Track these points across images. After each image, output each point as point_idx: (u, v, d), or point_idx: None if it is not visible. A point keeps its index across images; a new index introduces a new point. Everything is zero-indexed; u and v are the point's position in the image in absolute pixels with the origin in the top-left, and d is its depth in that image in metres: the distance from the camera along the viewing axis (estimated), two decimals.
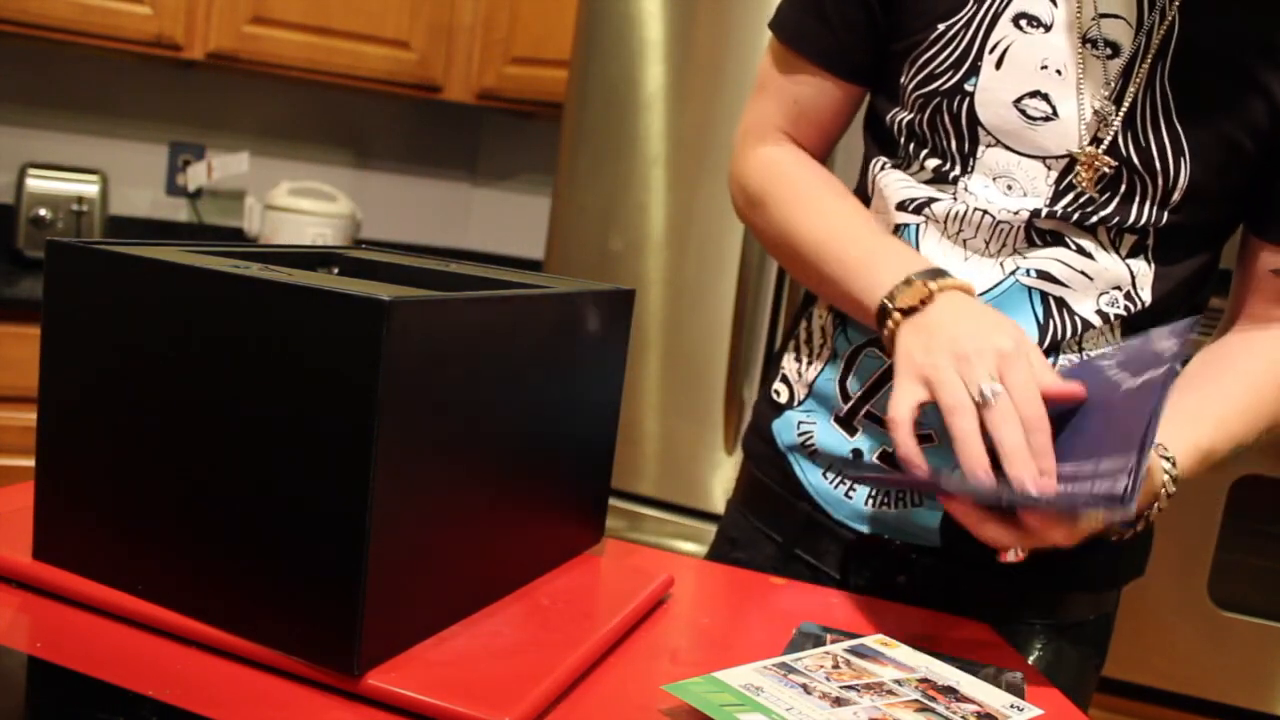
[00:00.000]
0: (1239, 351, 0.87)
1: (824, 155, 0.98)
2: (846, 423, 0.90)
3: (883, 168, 0.91)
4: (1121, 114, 0.80)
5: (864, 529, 0.90)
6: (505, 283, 0.74)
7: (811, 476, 0.93)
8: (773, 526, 0.97)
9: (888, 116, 0.90)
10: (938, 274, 0.78)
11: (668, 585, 0.76)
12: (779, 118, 0.95)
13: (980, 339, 0.72)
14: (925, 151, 0.88)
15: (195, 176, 2.56)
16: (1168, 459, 0.77)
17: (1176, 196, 0.81)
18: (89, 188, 2.26)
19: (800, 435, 0.94)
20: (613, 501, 1.91)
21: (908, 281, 0.78)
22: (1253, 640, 1.95)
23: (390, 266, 0.79)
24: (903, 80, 0.88)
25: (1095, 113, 0.81)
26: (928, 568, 0.89)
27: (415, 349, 0.55)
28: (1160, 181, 0.81)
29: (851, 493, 0.90)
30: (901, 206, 0.89)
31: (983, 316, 0.74)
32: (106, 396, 0.60)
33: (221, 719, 0.52)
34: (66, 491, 0.63)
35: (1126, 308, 0.85)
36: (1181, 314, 0.87)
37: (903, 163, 0.91)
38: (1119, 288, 0.84)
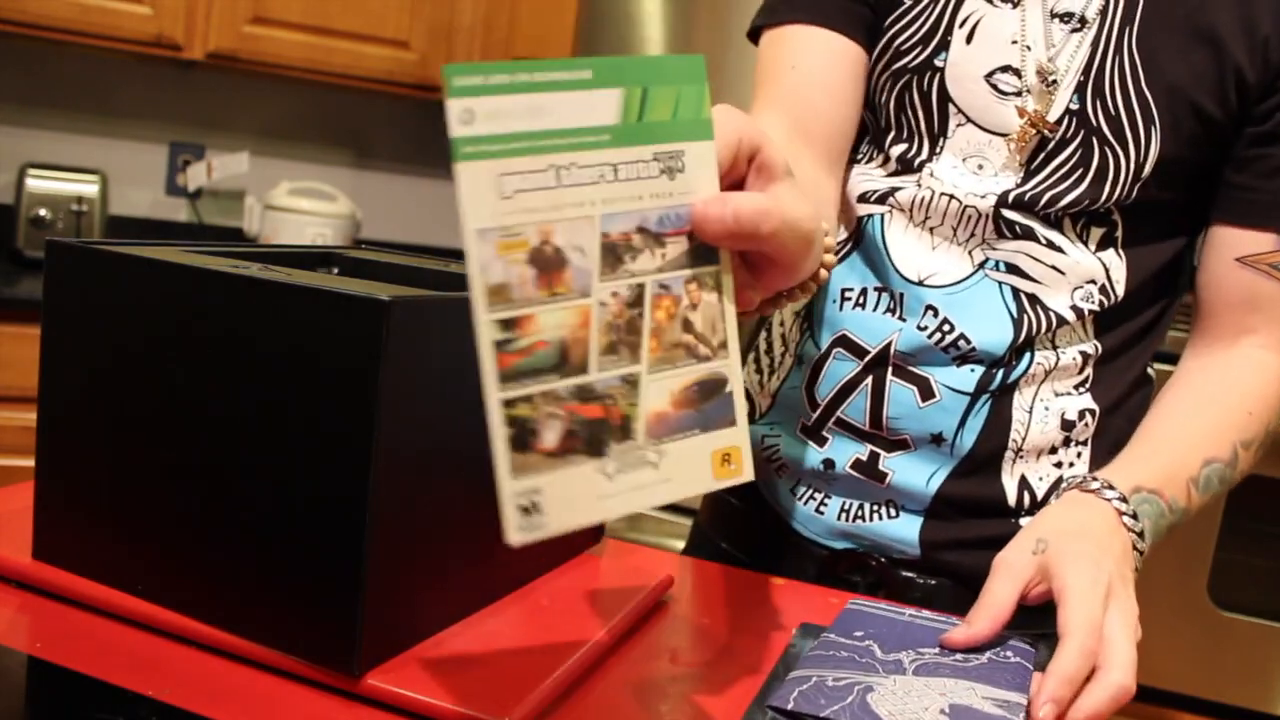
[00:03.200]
0: (1192, 383, 0.85)
1: (845, 136, 0.87)
2: (815, 432, 0.88)
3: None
4: (1074, 79, 0.79)
5: (837, 545, 0.88)
6: None
7: (779, 493, 0.91)
8: (740, 547, 0.94)
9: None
10: None
11: (668, 585, 0.76)
12: (779, 120, 0.84)
13: None
14: (890, 138, 0.86)
15: (195, 176, 2.56)
16: (1124, 504, 0.74)
17: (1148, 170, 0.79)
18: (89, 188, 2.26)
19: (765, 450, 0.91)
20: None
21: None
22: (1253, 640, 1.95)
23: (390, 266, 0.79)
24: (875, 60, 0.86)
25: (1040, 75, 0.80)
26: (906, 581, 0.87)
27: (415, 349, 0.55)
28: (1131, 151, 0.79)
29: (823, 507, 0.88)
30: (863, 199, 0.87)
31: None
32: (106, 396, 0.60)
33: (221, 719, 0.52)
34: (66, 491, 0.63)
35: (1101, 302, 0.83)
36: (1153, 307, 0.86)
37: (864, 157, 0.89)
38: (1093, 281, 0.83)
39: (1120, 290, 0.84)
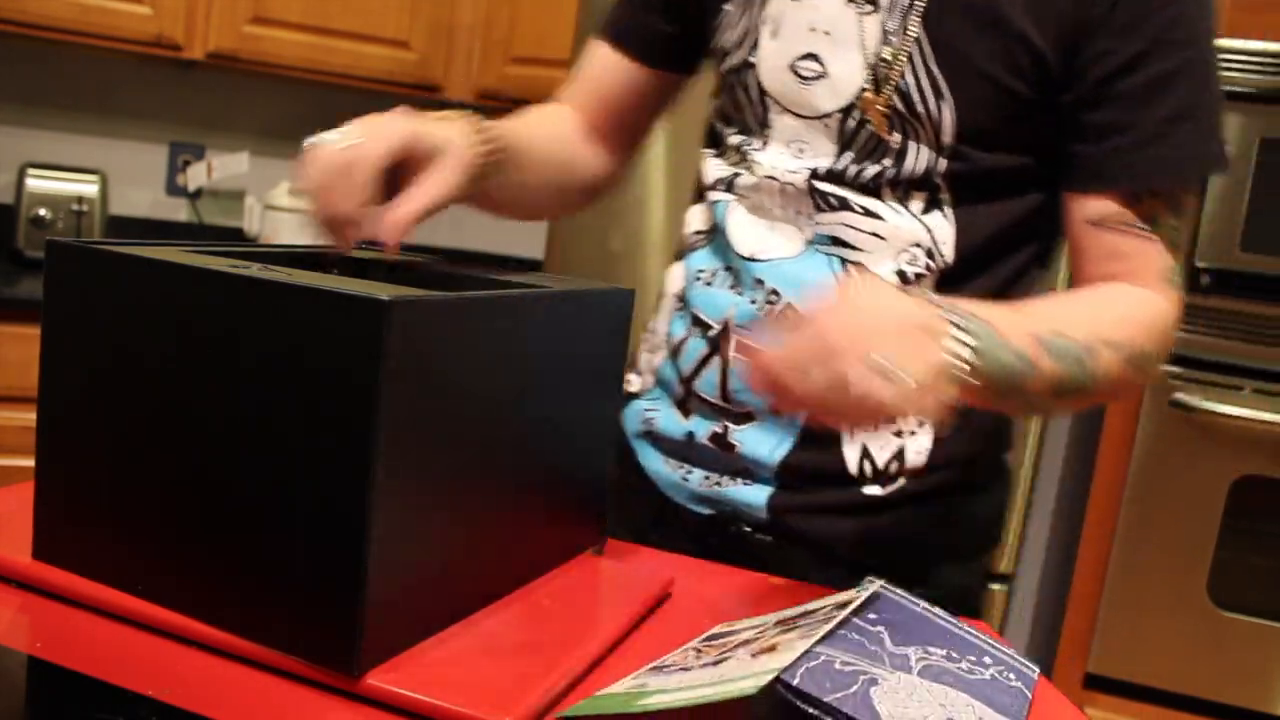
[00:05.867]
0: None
1: (615, 138, 1.03)
2: (682, 406, 0.93)
3: (705, 159, 0.96)
4: (894, 61, 0.82)
5: (702, 510, 0.93)
6: (505, 283, 0.74)
7: (653, 462, 0.96)
8: (621, 518, 0.97)
9: (712, 110, 0.96)
10: None
11: (668, 585, 0.76)
12: (566, 90, 1.02)
13: None
14: (731, 130, 0.93)
15: (195, 176, 2.56)
16: (958, 325, 0.68)
17: (948, 139, 0.82)
18: (89, 188, 2.26)
19: (644, 422, 0.97)
20: None
21: None
22: (1253, 640, 1.95)
23: (390, 266, 0.79)
24: (716, 69, 0.94)
25: (875, 64, 0.83)
26: (760, 544, 0.91)
27: (415, 349, 0.55)
28: (928, 125, 0.82)
29: (688, 476, 0.92)
30: (713, 186, 0.93)
31: None
32: (106, 396, 0.60)
33: (221, 719, 0.52)
34: (66, 491, 0.63)
35: (928, 266, 0.85)
36: (997, 274, 0.87)
37: (720, 151, 0.95)
38: (918, 245, 0.85)
39: (948, 253, 0.85)
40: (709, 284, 0.92)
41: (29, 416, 1.79)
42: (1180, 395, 1.94)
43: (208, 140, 2.60)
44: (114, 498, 0.61)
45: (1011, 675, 0.66)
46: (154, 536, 0.60)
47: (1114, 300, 0.83)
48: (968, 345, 0.68)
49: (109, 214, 2.43)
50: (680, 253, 0.98)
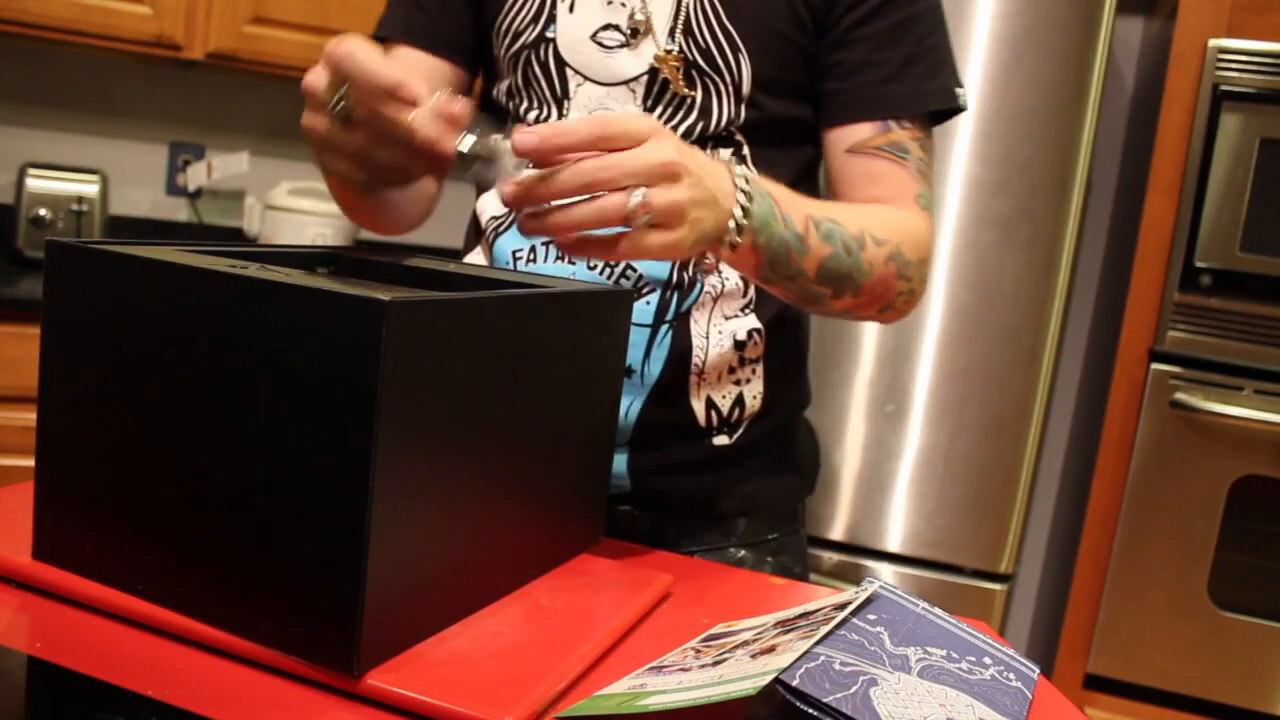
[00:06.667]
0: None
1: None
2: None
3: None
4: (666, 24, 0.90)
5: None
6: (505, 283, 0.74)
7: None
8: None
9: (494, 93, 0.99)
10: None
11: (667, 585, 0.76)
12: None
13: None
14: (525, 107, 0.95)
15: (195, 176, 2.56)
16: (742, 180, 0.75)
17: (747, 89, 0.90)
18: (89, 188, 2.26)
19: None
20: None
21: None
22: (1253, 640, 1.95)
23: (390, 266, 0.79)
24: (498, 52, 0.96)
25: (629, 23, 0.90)
26: (624, 515, 0.94)
27: (415, 349, 0.55)
28: (727, 77, 0.90)
29: None
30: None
31: None
32: (106, 396, 0.60)
33: (221, 719, 0.52)
34: (66, 491, 0.63)
35: None
36: None
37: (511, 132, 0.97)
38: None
39: None
40: (533, 262, 0.94)
41: (29, 416, 1.78)
42: (1181, 395, 1.94)
43: (208, 140, 2.60)
44: (114, 498, 0.61)
45: (1011, 675, 0.66)
46: (154, 536, 0.60)
47: (880, 210, 0.92)
48: (744, 206, 0.74)
49: (109, 214, 2.43)
50: (480, 242, 0.99)
